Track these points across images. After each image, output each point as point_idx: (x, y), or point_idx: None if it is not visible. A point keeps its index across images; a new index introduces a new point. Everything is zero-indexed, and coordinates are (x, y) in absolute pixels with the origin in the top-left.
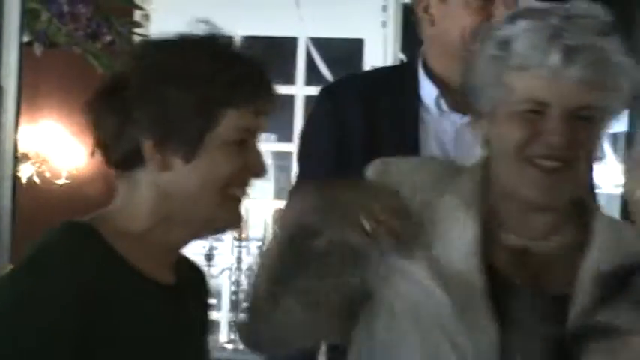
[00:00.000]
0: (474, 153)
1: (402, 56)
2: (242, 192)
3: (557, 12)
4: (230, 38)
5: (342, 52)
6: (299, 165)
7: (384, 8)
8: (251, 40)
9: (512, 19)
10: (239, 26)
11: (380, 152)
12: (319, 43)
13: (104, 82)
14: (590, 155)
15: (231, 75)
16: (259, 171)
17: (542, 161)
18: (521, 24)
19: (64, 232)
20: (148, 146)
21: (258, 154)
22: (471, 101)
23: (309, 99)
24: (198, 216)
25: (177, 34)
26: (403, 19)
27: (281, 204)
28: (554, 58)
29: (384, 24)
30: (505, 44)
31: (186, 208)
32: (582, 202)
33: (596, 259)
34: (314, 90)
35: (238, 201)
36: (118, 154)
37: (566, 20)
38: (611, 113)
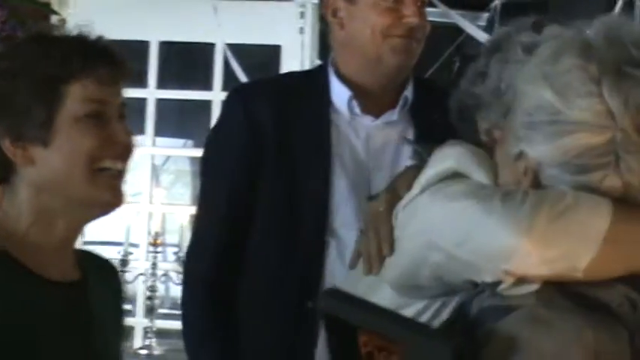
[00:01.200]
0: (384, 156)
1: (319, 62)
2: (115, 167)
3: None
4: (142, 46)
5: (260, 58)
6: (207, 167)
7: (302, 15)
8: (166, 47)
9: None
10: (156, 32)
11: (292, 155)
12: (236, 49)
13: None
14: None
15: (62, 50)
16: (123, 144)
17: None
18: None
19: None
20: (6, 146)
21: (117, 125)
22: None
23: None
24: (74, 199)
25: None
26: (320, 25)
27: None
28: None
29: (301, 30)
30: None
31: (61, 194)
32: None
33: None
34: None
35: (113, 177)
36: None
37: None
38: None
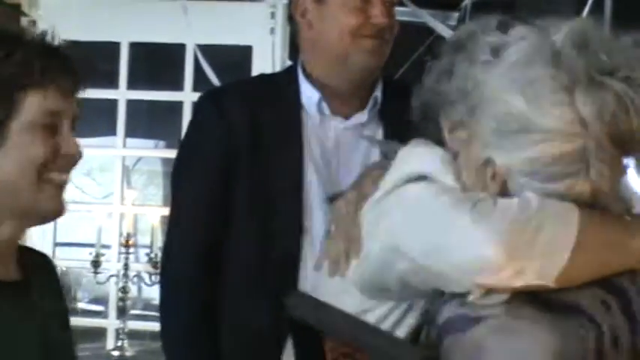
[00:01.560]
0: (355, 157)
1: (290, 63)
2: (60, 178)
3: None
4: (113, 47)
5: (231, 59)
6: (182, 168)
7: (272, 15)
8: (137, 48)
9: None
10: (126, 33)
11: (264, 157)
12: (207, 50)
13: None
14: None
15: (22, 56)
16: (72, 156)
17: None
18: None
19: None
20: None
21: (69, 139)
22: None
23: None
24: (20, 204)
25: None
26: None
27: (168, 211)
28: None
29: (272, 31)
30: None
31: (7, 198)
32: None
33: None
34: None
35: (58, 188)
36: None
37: None
38: None
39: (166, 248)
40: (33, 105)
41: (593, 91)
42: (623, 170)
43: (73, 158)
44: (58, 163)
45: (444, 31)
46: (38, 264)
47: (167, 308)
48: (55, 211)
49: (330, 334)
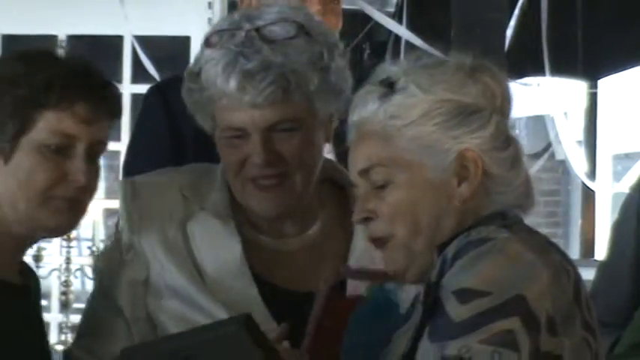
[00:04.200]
0: None
1: None
2: (67, 195)
3: (245, 26)
4: (51, 40)
5: (169, 50)
6: (130, 168)
7: (210, 5)
8: (75, 41)
9: (203, 46)
10: (64, 25)
11: (212, 151)
12: (145, 41)
13: None
14: (309, 160)
15: (43, 76)
16: (77, 180)
17: (259, 181)
18: (206, 53)
19: None
20: None
21: (80, 165)
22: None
23: (135, 97)
24: (23, 216)
25: None
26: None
27: (110, 203)
28: (232, 85)
29: (210, 21)
30: (196, 76)
31: (12, 208)
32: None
33: (359, 247)
34: (141, 88)
35: (65, 202)
36: None
37: (250, 38)
38: (323, 113)
39: None
40: (46, 125)
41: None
42: None
43: (80, 188)
44: (61, 190)
45: (381, 18)
46: (29, 271)
47: None
48: (60, 226)
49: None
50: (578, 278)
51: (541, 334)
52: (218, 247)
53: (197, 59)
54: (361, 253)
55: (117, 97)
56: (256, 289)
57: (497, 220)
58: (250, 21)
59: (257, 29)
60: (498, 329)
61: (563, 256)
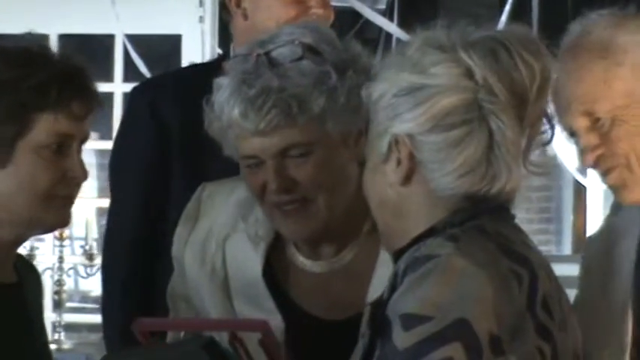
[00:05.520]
0: None
1: (220, 51)
2: (67, 193)
3: (257, 50)
4: (43, 40)
5: (160, 49)
6: (116, 166)
7: (201, 3)
8: (66, 40)
9: (220, 80)
10: (54, 24)
11: (200, 154)
12: (136, 40)
13: None
14: (328, 183)
15: (40, 79)
16: (78, 180)
17: (282, 206)
18: (217, 81)
19: None
20: None
21: (77, 162)
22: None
23: (127, 96)
24: (22, 217)
25: None
26: (220, 14)
27: (103, 202)
28: (236, 113)
29: (201, 19)
30: (213, 105)
31: (8, 210)
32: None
33: (381, 276)
34: (132, 87)
35: (65, 200)
36: None
37: (259, 63)
38: (338, 133)
39: (107, 245)
40: (44, 127)
41: (473, 47)
42: (536, 127)
43: (79, 182)
44: (63, 187)
45: (372, 15)
46: (28, 270)
47: (108, 300)
48: (60, 223)
49: None
50: (534, 277)
51: (484, 357)
52: (246, 268)
53: (214, 87)
54: (379, 280)
55: (96, 87)
56: (279, 316)
57: (449, 228)
58: (262, 45)
59: (267, 53)
60: (440, 357)
61: (519, 257)
